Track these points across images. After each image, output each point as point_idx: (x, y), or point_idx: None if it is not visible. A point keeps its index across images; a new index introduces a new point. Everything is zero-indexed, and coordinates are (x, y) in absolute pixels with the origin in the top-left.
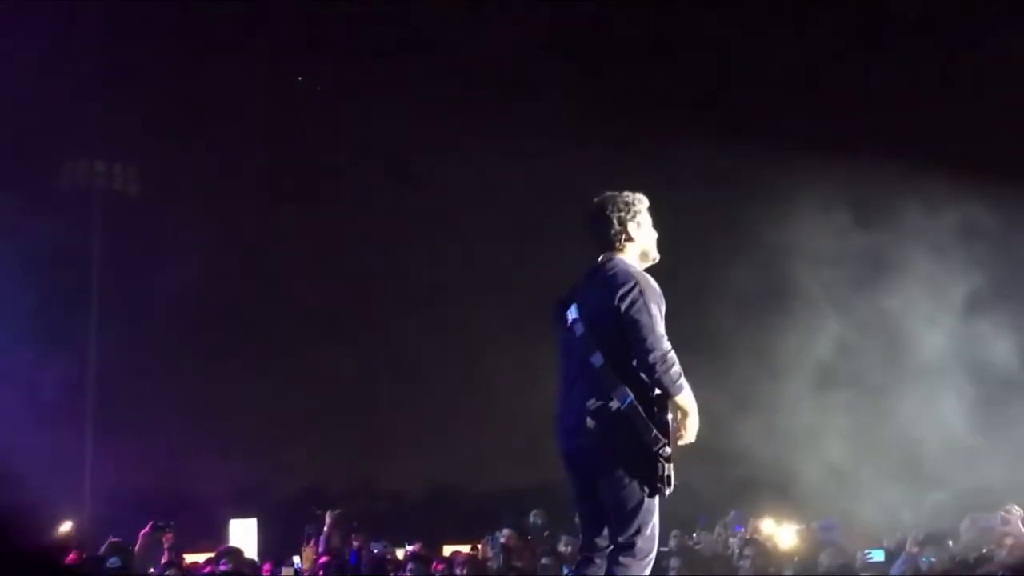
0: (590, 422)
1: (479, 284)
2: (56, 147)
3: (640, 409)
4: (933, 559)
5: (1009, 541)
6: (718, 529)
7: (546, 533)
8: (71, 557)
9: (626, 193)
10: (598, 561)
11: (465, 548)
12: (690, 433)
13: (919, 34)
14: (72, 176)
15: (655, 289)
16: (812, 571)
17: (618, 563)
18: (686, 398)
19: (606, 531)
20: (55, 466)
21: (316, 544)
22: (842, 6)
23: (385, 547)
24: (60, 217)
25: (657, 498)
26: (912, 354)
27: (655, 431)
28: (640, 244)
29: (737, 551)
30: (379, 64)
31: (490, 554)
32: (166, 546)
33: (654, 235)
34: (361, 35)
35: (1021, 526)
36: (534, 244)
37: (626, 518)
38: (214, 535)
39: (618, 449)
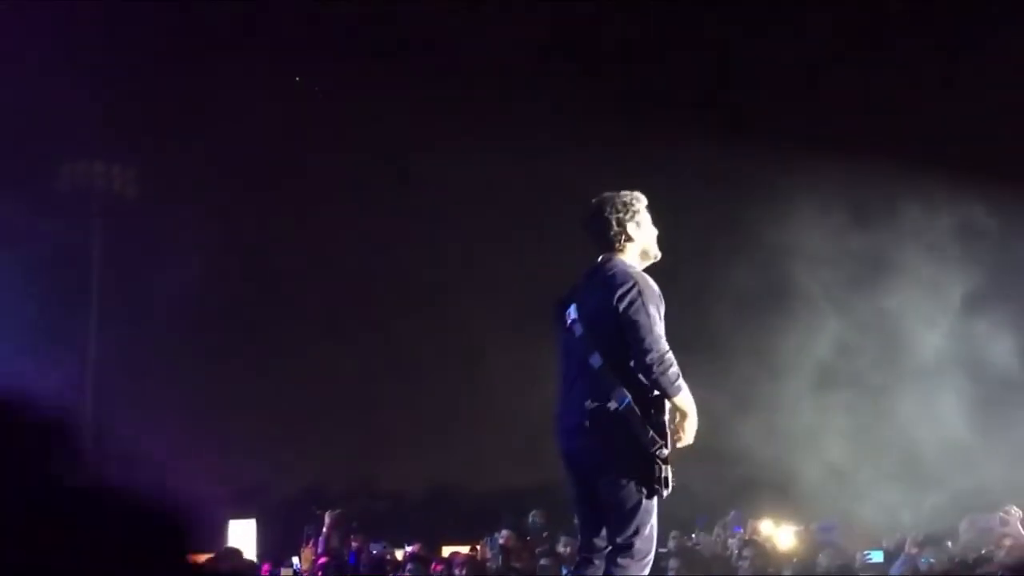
0: (588, 423)
1: (479, 284)
2: (56, 147)
3: (637, 410)
4: (932, 560)
5: (1008, 542)
6: (717, 530)
7: (545, 534)
8: None
9: (624, 193)
10: (597, 562)
11: (464, 549)
12: (688, 435)
13: (919, 34)
14: (72, 177)
15: (654, 290)
16: (811, 572)
17: (616, 564)
18: (684, 399)
19: (605, 532)
20: None
21: (315, 545)
22: (842, 6)
23: (384, 547)
24: (60, 218)
25: (655, 499)
26: (911, 354)
27: (652, 433)
28: (640, 243)
29: (736, 552)
30: (379, 64)
31: (489, 555)
32: None
33: (654, 233)
34: (361, 35)
35: (1020, 527)
36: (534, 244)
37: (624, 519)
38: (213, 535)
39: (616, 450)
